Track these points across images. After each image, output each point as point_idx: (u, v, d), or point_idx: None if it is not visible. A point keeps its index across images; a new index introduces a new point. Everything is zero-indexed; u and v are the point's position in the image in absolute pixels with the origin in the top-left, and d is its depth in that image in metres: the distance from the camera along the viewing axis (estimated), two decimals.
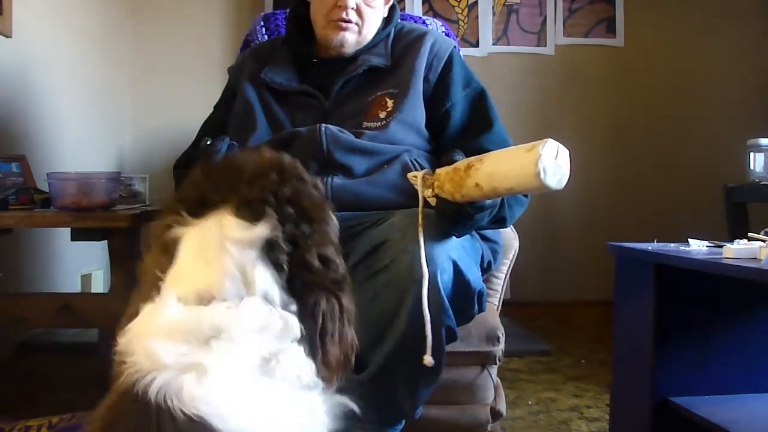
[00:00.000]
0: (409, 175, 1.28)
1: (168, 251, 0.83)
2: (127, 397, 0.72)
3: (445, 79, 1.57)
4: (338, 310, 0.86)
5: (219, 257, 0.80)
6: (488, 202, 1.23)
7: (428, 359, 1.18)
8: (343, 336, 0.87)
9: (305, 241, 0.85)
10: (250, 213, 0.83)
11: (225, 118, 1.63)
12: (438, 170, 1.25)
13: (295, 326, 0.81)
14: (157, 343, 0.74)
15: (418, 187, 1.25)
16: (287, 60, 1.61)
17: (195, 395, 0.71)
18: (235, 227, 0.82)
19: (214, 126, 1.66)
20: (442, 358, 1.36)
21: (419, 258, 1.21)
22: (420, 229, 1.21)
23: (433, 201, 1.26)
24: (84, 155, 2.84)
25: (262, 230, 0.82)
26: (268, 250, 0.82)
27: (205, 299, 0.79)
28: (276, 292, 0.82)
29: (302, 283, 0.84)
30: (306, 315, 0.83)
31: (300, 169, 0.92)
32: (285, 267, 0.83)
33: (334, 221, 0.92)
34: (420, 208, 1.23)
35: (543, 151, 1.07)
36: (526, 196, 1.44)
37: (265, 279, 0.81)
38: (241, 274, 0.80)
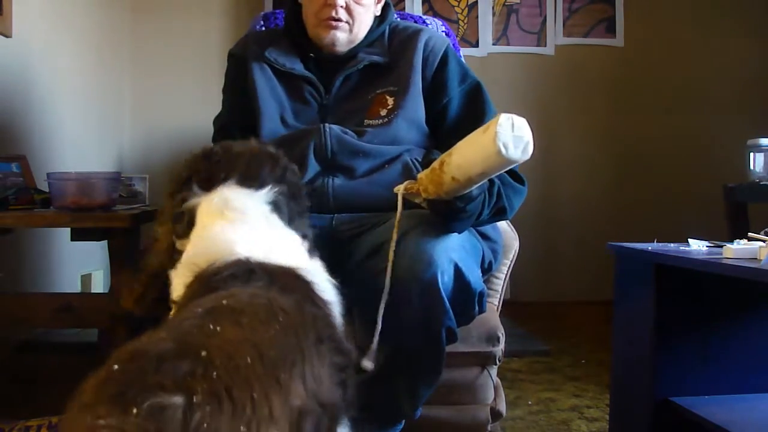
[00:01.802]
0: (395, 190, 1.29)
1: (183, 220, 1.02)
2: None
3: (441, 74, 1.57)
4: None
5: (241, 208, 1.00)
6: (475, 190, 1.23)
7: (367, 364, 1.21)
8: None
9: (297, 216, 1.08)
10: (254, 184, 1.04)
11: (241, 101, 1.61)
12: (419, 175, 1.26)
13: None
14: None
15: (399, 203, 1.26)
16: (289, 47, 1.61)
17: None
18: (245, 191, 1.03)
19: (230, 114, 1.65)
20: (442, 359, 1.36)
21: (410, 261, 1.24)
22: (392, 244, 1.23)
23: (424, 205, 1.27)
24: (84, 155, 2.84)
25: (267, 192, 1.04)
26: (276, 209, 1.03)
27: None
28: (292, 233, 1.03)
29: None
30: None
31: (283, 158, 1.13)
32: (287, 224, 1.04)
33: (307, 202, 1.17)
34: (396, 222, 1.24)
35: (498, 129, 1.08)
36: (522, 184, 1.44)
37: (283, 225, 1.03)
38: (265, 218, 1.01)
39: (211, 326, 0.68)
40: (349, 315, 1.33)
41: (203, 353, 0.62)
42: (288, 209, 1.06)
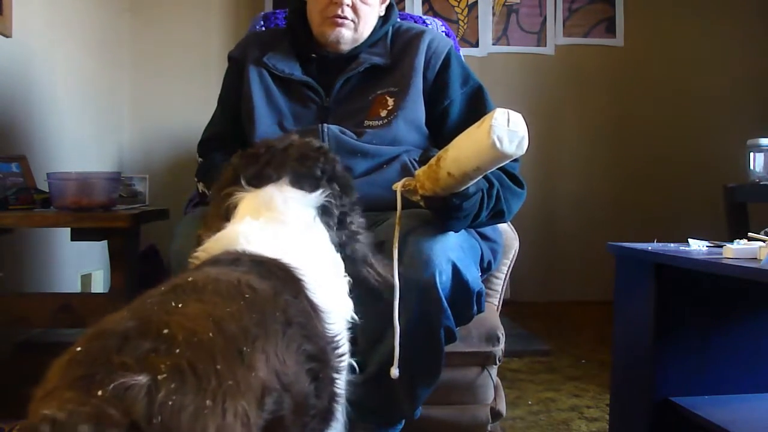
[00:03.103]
0: (393, 187, 1.29)
1: (227, 216, 1.00)
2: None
3: (443, 76, 1.57)
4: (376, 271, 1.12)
5: (283, 209, 0.98)
6: (471, 188, 1.23)
7: (394, 372, 1.21)
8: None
9: (349, 211, 1.08)
10: (306, 185, 1.02)
11: (234, 110, 1.61)
12: (416, 172, 1.26)
13: (342, 267, 1.02)
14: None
15: (398, 200, 1.25)
16: (289, 50, 1.61)
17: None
18: (295, 192, 1.00)
19: (219, 123, 1.64)
20: (441, 359, 1.36)
21: (414, 263, 1.22)
22: (395, 242, 1.22)
23: (422, 203, 1.27)
24: (84, 155, 2.84)
25: (318, 196, 1.02)
26: (323, 214, 1.01)
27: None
28: (330, 245, 1.01)
29: (349, 246, 1.06)
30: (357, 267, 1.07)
31: (334, 154, 1.12)
32: (335, 228, 1.04)
33: (357, 195, 1.16)
34: (397, 220, 1.24)
35: (493, 122, 1.08)
36: (521, 188, 1.44)
37: (325, 233, 1.01)
38: (304, 224, 0.99)
39: (173, 303, 0.68)
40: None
41: (165, 330, 0.63)
42: (339, 210, 1.05)
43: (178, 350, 0.61)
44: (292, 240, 0.94)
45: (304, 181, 1.02)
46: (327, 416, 0.87)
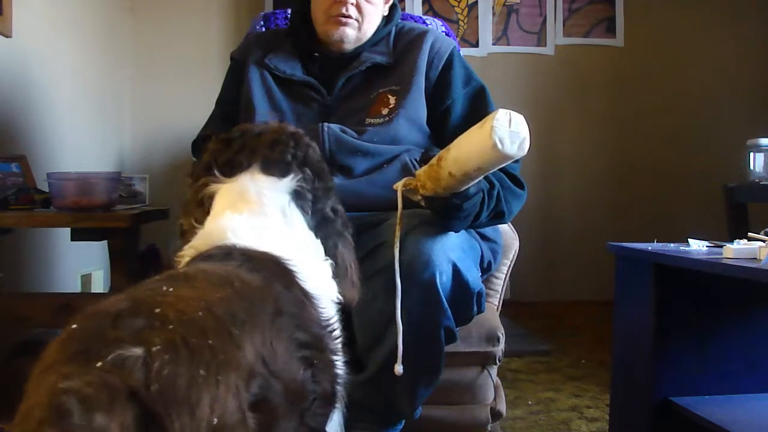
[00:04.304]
0: (394, 186, 1.29)
1: (203, 205, 1.02)
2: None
3: (445, 76, 1.57)
4: (350, 247, 1.12)
5: (258, 199, 0.99)
6: (472, 189, 1.24)
7: (398, 369, 1.22)
8: (354, 265, 1.13)
9: (322, 195, 1.08)
10: (277, 171, 1.03)
11: (232, 110, 1.61)
12: (417, 171, 1.26)
13: (322, 250, 1.04)
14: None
15: (399, 200, 1.25)
16: (291, 51, 1.61)
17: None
18: (267, 180, 1.02)
19: (216, 123, 1.64)
20: (441, 359, 1.36)
21: (419, 258, 1.21)
22: (396, 242, 1.22)
23: (422, 203, 1.27)
24: (84, 155, 2.84)
25: (290, 181, 1.03)
26: (296, 198, 1.03)
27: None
28: (307, 230, 1.04)
29: (322, 230, 1.07)
30: (329, 255, 1.07)
31: (306, 137, 1.12)
32: (309, 212, 1.05)
33: (333, 181, 1.16)
34: (398, 219, 1.24)
35: (495, 123, 1.09)
36: (522, 189, 1.44)
37: (301, 218, 1.02)
38: (281, 212, 1.00)
39: (165, 288, 0.71)
40: (348, 315, 1.33)
41: (157, 310, 0.66)
42: (312, 194, 1.06)
43: (171, 326, 0.63)
44: (276, 230, 0.97)
45: (275, 167, 1.03)
46: (330, 398, 0.89)
